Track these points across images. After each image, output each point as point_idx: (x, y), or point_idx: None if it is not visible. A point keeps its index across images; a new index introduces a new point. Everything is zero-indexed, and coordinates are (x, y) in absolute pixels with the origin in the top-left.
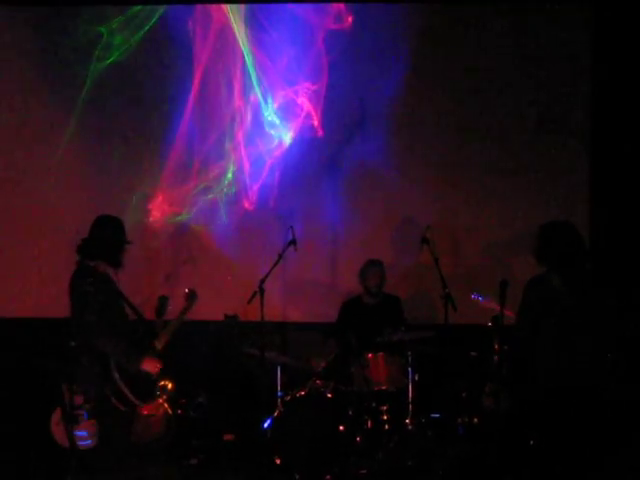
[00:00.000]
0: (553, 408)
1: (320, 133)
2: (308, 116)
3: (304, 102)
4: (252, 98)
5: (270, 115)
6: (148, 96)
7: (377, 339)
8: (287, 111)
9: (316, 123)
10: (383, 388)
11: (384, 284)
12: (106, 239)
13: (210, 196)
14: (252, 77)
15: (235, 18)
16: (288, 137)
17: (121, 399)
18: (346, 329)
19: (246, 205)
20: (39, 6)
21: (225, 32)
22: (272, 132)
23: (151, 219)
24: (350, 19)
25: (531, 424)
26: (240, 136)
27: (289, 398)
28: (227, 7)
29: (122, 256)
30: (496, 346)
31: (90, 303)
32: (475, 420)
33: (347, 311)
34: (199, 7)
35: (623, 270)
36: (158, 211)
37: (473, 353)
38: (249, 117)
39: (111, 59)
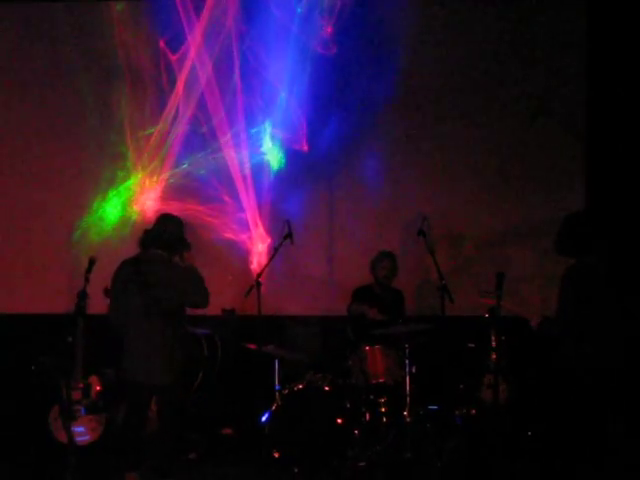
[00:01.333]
0: (599, 390)
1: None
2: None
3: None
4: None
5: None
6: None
7: (374, 332)
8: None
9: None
10: (381, 381)
11: (394, 276)
12: (176, 234)
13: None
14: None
15: None
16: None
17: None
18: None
19: (244, 200)
20: None
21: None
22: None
23: (146, 214)
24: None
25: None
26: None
27: (287, 392)
28: None
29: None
30: (493, 338)
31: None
32: (473, 412)
33: (360, 296)
34: None
35: (619, 268)
36: (153, 205)
37: (470, 345)
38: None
39: None
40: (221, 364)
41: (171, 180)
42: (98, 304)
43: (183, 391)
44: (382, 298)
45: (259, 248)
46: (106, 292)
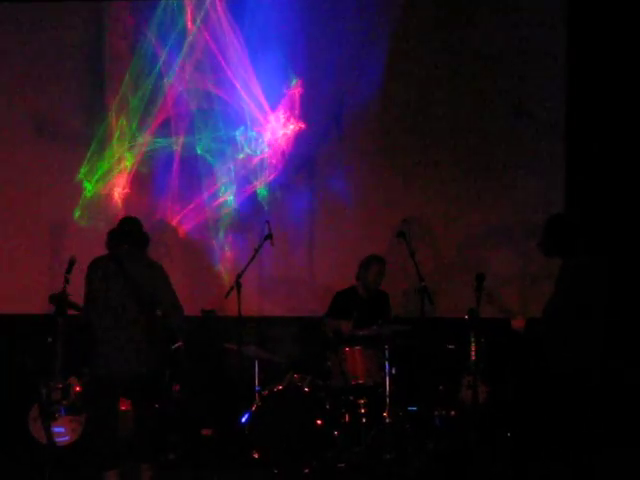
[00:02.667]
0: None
1: (298, 128)
2: (288, 111)
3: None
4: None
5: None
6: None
7: (354, 334)
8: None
9: (295, 119)
10: (360, 382)
11: (383, 280)
12: (142, 232)
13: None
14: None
15: None
16: (267, 133)
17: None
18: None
19: (223, 200)
20: None
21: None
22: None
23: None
24: None
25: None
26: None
27: (267, 393)
28: None
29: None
30: (473, 339)
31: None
32: (452, 413)
33: (341, 300)
34: None
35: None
36: (135, 207)
37: (450, 346)
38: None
39: None
40: (201, 365)
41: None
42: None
43: (157, 384)
44: (366, 301)
45: None
46: (51, 299)
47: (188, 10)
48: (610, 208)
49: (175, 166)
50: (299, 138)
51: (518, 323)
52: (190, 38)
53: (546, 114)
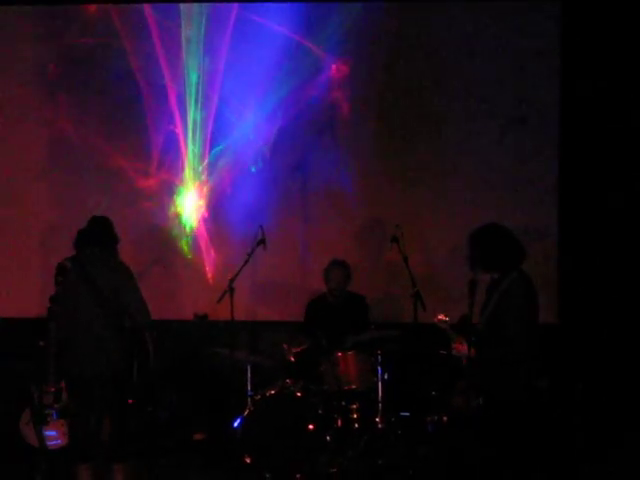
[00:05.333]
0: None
1: (286, 132)
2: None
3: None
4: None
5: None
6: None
7: (345, 344)
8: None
9: (282, 123)
10: (353, 387)
11: (347, 284)
12: (112, 232)
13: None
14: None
15: None
16: (255, 134)
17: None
18: (314, 328)
19: (215, 204)
20: None
21: None
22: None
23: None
24: None
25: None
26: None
27: (259, 397)
28: None
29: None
30: (465, 345)
31: (134, 277)
32: (445, 418)
33: (312, 310)
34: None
35: (591, 275)
36: (127, 210)
37: (443, 352)
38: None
39: None
40: (192, 369)
41: None
42: None
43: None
44: (336, 307)
45: None
46: None
47: None
48: (605, 210)
49: None
50: (287, 143)
51: (464, 349)
52: None
53: (540, 117)
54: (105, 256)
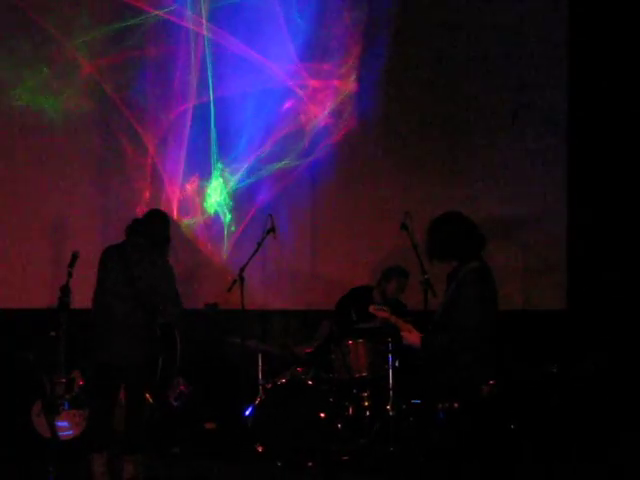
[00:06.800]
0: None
1: (298, 119)
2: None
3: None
4: None
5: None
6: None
7: (356, 326)
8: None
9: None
10: (364, 375)
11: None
12: (164, 229)
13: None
14: None
15: None
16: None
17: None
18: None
19: (225, 192)
20: None
21: None
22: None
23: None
24: None
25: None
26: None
27: (270, 386)
28: None
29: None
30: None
31: (174, 275)
32: (456, 406)
33: (357, 297)
34: None
35: (600, 261)
36: (137, 201)
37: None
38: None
39: None
40: (203, 358)
41: None
42: (81, 298)
43: (150, 377)
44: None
45: None
46: None
47: None
48: (612, 201)
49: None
50: (298, 131)
51: (413, 338)
52: None
53: (547, 107)
54: (149, 249)
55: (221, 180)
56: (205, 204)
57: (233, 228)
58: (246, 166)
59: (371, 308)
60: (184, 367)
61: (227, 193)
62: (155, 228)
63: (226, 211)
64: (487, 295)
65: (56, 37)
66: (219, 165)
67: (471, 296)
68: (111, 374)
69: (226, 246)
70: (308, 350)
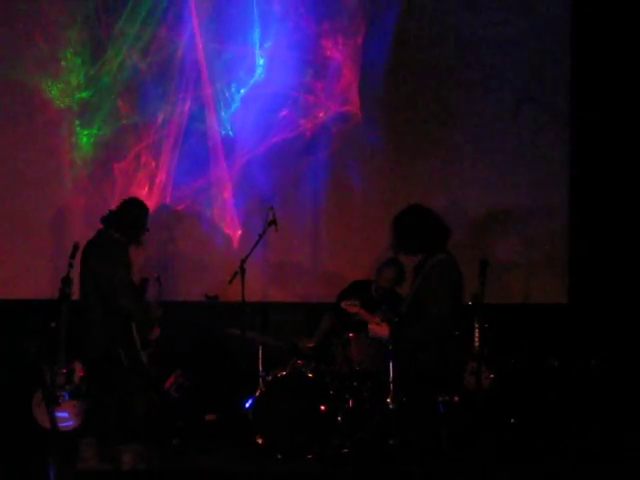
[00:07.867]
0: None
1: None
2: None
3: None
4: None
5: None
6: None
7: (355, 318)
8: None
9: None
10: (364, 367)
11: (399, 285)
12: (136, 218)
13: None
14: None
15: None
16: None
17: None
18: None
19: (227, 185)
20: None
21: None
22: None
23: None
24: None
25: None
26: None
27: (270, 378)
28: None
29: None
30: (477, 325)
31: (129, 268)
32: (456, 399)
33: (358, 290)
34: None
35: (602, 255)
36: (139, 193)
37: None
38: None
39: None
40: (204, 350)
41: None
42: None
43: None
44: (376, 301)
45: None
46: None
47: None
48: (614, 195)
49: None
50: (301, 123)
51: (381, 330)
52: None
53: (551, 100)
54: (113, 240)
55: (222, 172)
56: (205, 197)
57: (234, 220)
58: (247, 158)
59: (343, 303)
60: (184, 359)
61: (228, 185)
62: (126, 218)
63: (227, 203)
64: (454, 285)
65: None
66: (220, 158)
67: (439, 287)
68: (89, 367)
69: (227, 238)
70: (310, 344)
